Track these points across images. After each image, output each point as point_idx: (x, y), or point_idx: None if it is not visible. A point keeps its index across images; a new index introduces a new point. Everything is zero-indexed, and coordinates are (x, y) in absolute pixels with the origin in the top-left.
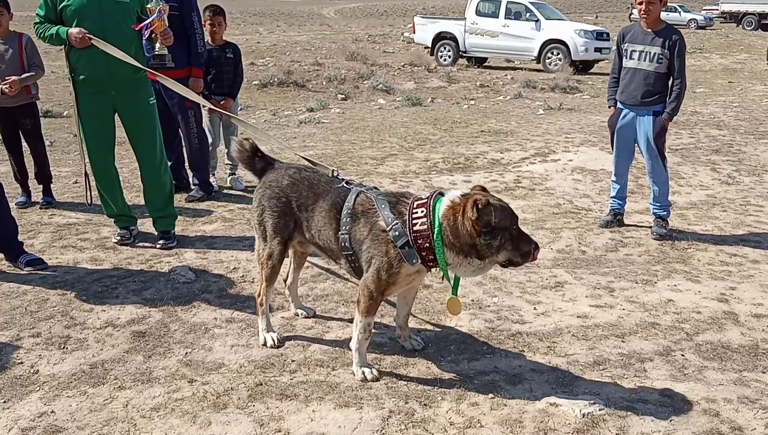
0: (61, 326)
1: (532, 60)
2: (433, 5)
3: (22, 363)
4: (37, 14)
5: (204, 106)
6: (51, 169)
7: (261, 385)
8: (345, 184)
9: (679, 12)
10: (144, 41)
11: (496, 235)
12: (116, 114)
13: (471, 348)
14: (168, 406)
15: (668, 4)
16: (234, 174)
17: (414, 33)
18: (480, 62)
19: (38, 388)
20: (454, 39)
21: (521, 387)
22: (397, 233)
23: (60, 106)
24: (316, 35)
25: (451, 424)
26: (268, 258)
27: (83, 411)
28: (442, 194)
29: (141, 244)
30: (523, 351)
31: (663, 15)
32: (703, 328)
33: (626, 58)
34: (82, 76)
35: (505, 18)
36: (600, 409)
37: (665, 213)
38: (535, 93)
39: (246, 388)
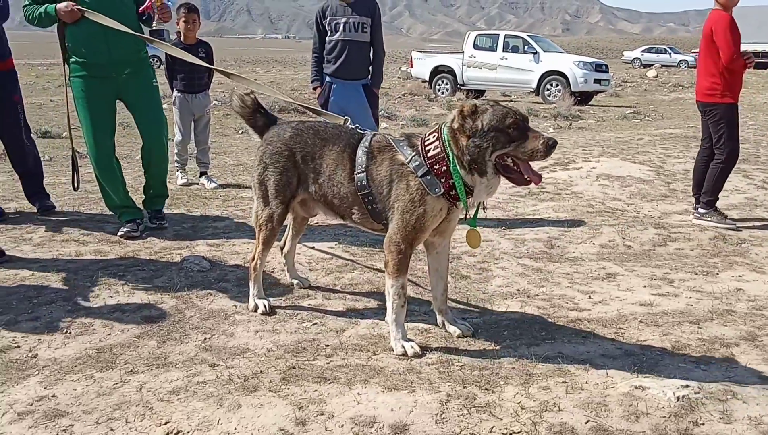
0: (63, 311)
1: (531, 92)
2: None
3: (18, 347)
4: None
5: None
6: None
7: (294, 368)
8: (358, 130)
9: (670, 53)
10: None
11: (485, 136)
12: (117, 100)
13: (527, 333)
14: (189, 389)
15: (659, 46)
16: (206, 173)
17: (412, 67)
18: (478, 95)
19: (37, 372)
20: (452, 72)
21: (594, 372)
22: (417, 163)
23: (59, 128)
24: None
25: (522, 408)
26: (268, 219)
27: (90, 395)
28: None
29: (149, 238)
30: (588, 337)
31: (653, 57)
32: None
33: None
34: (81, 60)
35: (503, 51)
36: (696, 392)
37: None
38: (539, 120)
39: (277, 371)
